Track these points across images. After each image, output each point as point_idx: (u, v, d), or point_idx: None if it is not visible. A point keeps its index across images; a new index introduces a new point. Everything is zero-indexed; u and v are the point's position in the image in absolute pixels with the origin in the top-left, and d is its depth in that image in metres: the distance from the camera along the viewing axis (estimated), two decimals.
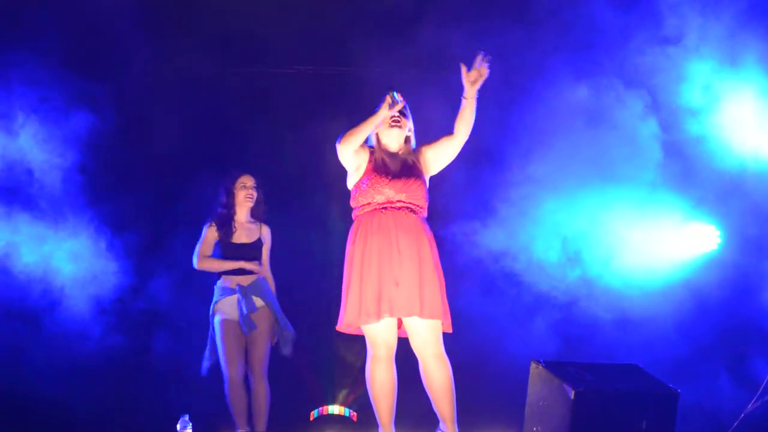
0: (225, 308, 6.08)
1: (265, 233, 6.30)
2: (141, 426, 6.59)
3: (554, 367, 5.01)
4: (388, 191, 5.04)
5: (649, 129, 6.73)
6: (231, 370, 5.99)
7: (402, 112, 5.18)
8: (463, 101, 5.12)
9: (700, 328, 6.96)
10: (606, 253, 6.97)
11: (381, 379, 5.01)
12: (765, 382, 6.28)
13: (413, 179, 5.10)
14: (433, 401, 5.04)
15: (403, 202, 5.05)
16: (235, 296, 6.06)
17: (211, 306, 6.13)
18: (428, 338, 4.99)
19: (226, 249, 6.13)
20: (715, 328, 6.96)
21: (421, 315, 4.93)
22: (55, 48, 6.68)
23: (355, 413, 7.00)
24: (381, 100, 5.07)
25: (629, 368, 5.17)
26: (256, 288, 6.12)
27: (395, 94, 5.04)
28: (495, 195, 7.00)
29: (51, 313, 6.81)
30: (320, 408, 7.04)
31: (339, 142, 5.06)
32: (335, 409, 7.03)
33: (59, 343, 6.85)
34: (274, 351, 6.20)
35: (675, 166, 6.79)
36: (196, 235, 6.24)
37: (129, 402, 6.83)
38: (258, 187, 6.27)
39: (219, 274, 6.14)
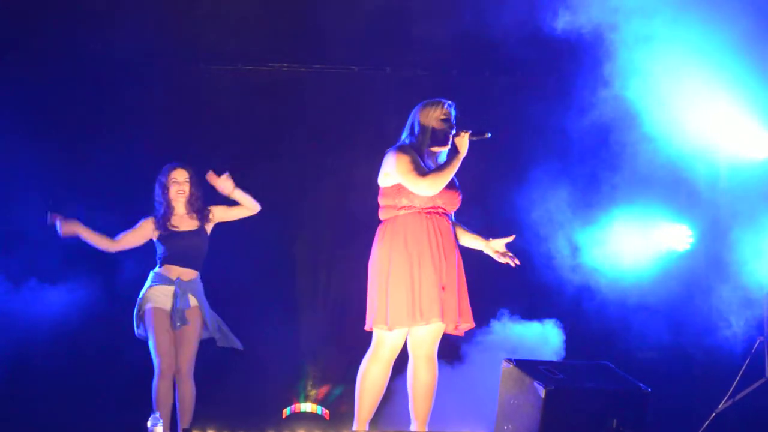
0: (157, 296, 5.88)
1: (208, 215, 6.00)
2: (114, 423, 6.56)
3: (525, 365, 5.01)
4: (438, 199, 4.99)
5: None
6: (163, 362, 5.81)
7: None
8: (480, 241, 5.15)
9: (674, 327, 7.00)
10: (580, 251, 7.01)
11: (375, 377, 4.97)
12: (735, 382, 6.32)
13: (458, 193, 5.09)
14: (411, 400, 5.02)
15: (443, 209, 5.03)
16: (171, 287, 5.88)
17: (143, 291, 5.92)
18: (427, 338, 4.99)
19: (168, 237, 5.92)
20: (688, 327, 7.00)
21: (460, 322, 4.97)
22: None
23: (327, 411, 6.99)
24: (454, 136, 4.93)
25: (600, 367, 5.18)
26: (194, 286, 5.96)
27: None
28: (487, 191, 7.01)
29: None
30: (292, 405, 7.03)
31: (422, 184, 4.88)
32: (308, 406, 7.02)
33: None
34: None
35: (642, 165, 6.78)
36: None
37: (103, 399, 6.80)
38: (193, 182, 5.98)
39: (161, 263, 5.94)
